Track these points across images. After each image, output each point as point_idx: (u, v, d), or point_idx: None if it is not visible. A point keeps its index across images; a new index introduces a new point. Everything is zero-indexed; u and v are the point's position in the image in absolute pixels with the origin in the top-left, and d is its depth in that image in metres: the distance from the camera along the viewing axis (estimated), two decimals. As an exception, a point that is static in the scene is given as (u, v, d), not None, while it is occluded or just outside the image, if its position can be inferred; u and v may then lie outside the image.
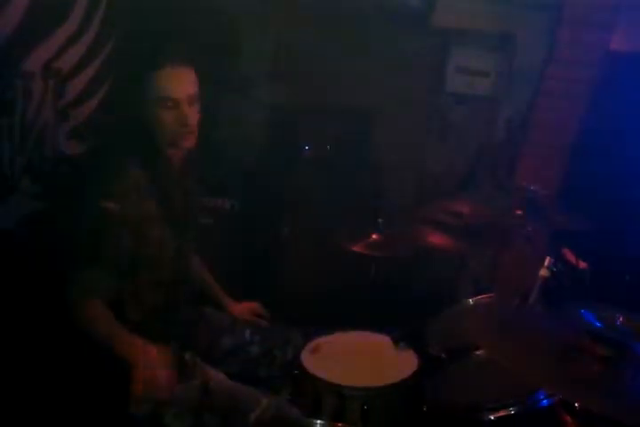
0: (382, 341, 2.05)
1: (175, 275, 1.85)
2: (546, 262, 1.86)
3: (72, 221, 1.70)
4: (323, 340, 2.05)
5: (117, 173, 1.69)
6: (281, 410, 1.71)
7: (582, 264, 2.01)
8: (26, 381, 1.85)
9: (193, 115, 1.73)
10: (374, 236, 2.25)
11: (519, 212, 1.96)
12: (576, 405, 1.47)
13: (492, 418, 1.54)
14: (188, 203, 1.88)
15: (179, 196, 1.83)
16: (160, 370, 1.54)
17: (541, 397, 1.52)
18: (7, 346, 1.79)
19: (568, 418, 1.49)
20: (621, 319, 1.35)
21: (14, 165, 1.83)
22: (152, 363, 1.54)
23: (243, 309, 2.13)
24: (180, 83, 1.71)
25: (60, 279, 1.64)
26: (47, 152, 1.96)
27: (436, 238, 2.06)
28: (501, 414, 1.54)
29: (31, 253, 1.88)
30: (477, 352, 1.82)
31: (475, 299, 2.07)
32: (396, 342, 2.01)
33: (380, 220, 2.25)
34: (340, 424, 1.68)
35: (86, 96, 2.10)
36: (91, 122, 2.12)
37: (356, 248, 2.19)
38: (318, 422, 1.67)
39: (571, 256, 2.03)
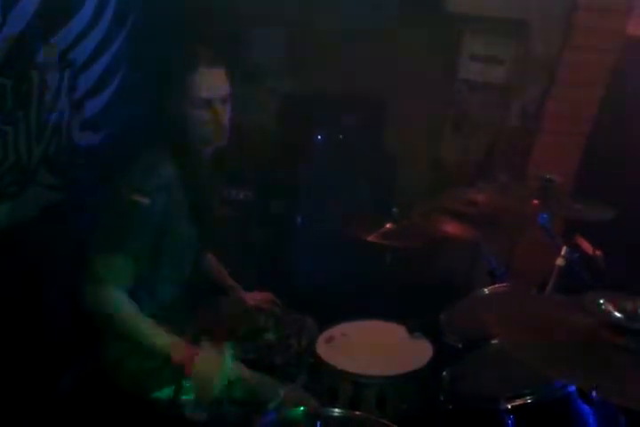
0: (397, 330, 2.05)
1: (194, 268, 1.86)
2: (562, 251, 1.85)
3: (98, 209, 1.71)
4: (338, 329, 2.06)
5: (150, 170, 1.69)
6: (299, 400, 1.72)
7: (597, 252, 1.99)
8: (44, 367, 1.88)
9: (225, 113, 1.76)
10: (389, 225, 2.25)
11: (535, 200, 1.95)
12: (594, 393, 1.47)
13: (509, 407, 1.54)
14: (212, 198, 1.90)
15: (206, 193, 1.84)
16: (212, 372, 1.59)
17: (558, 386, 1.52)
18: (23, 334, 1.82)
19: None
20: (640, 308, 1.33)
21: (31, 157, 1.84)
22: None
23: (255, 298, 2.14)
24: (215, 83, 1.73)
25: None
26: (63, 143, 1.97)
27: (451, 228, 2.05)
28: (518, 403, 1.54)
29: (49, 243, 1.90)
30: (493, 341, 1.82)
31: (490, 288, 2.06)
32: (410, 331, 2.02)
33: (394, 209, 2.24)
34: (357, 412, 1.69)
35: (100, 87, 2.10)
36: (105, 113, 2.12)
37: (371, 238, 2.19)
38: (335, 410, 1.67)
39: (586, 245, 2.01)
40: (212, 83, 1.73)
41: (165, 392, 1.69)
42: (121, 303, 1.64)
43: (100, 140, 2.14)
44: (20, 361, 1.82)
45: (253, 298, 2.14)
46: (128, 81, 2.21)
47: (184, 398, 1.67)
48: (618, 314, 1.35)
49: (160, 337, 1.64)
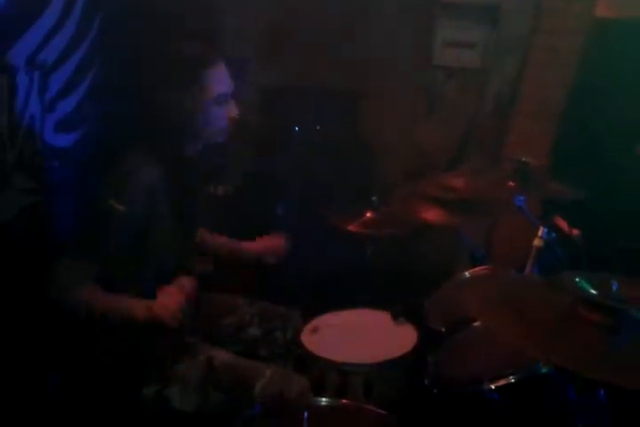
0: (381, 317, 2.07)
1: (179, 264, 1.86)
2: (539, 232, 1.87)
3: (73, 212, 1.69)
4: (322, 319, 2.08)
5: (131, 172, 1.66)
6: (287, 381, 1.73)
7: (575, 232, 2.02)
8: (30, 365, 1.87)
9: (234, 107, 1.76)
10: (369, 214, 2.26)
11: (511, 183, 1.97)
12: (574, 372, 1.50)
13: (493, 387, 1.56)
14: (198, 196, 1.90)
15: (192, 191, 1.83)
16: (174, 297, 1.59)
17: (541, 365, 1.55)
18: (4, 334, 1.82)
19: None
20: (617, 286, 1.36)
21: (5, 161, 1.83)
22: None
23: (265, 245, 2.12)
24: (227, 77, 1.73)
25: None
26: (37, 146, 1.96)
27: (431, 214, 2.06)
28: (501, 383, 1.56)
29: (27, 245, 1.89)
30: (475, 324, 1.84)
31: (471, 271, 2.08)
32: (394, 317, 2.04)
33: (373, 198, 2.25)
34: (344, 400, 1.71)
35: (72, 87, 2.09)
36: (77, 113, 2.11)
37: (352, 227, 2.20)
38: (323, 399, 1.69)
39: (563, 224, 2.04)
40: (226, 77, 1.72)
41: (152, 388, 1.70)
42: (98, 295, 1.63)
43: (75, 140, 2.12)
44: (8, 361, 1.82)
45: (262, 245, 2.12)
46: (101, 80, 2.19)
47: (170, 389, 1.68)
48: (593, 291, 1.37)
49: (127, 301, 1.62)
